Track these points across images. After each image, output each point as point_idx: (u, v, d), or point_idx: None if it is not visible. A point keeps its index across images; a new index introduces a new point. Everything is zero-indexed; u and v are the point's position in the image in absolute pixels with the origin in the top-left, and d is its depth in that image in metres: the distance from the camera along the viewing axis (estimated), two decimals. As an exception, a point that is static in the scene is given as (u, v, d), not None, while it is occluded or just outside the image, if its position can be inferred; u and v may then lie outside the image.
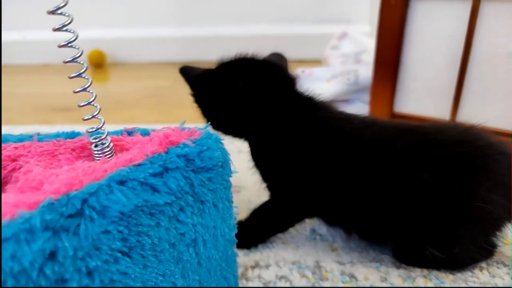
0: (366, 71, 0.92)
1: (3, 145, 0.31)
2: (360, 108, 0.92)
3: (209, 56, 2.13)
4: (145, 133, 0.34)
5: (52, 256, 0.21)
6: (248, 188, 0.65)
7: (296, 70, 1.04)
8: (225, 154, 0.34)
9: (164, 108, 1.21)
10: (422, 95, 0.80)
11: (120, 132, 0.35)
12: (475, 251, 0.45)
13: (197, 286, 0.34)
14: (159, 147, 0.30)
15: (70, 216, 0.23)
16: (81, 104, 0.30)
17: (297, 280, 0.45)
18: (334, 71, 0.97)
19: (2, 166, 0.30)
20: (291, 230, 0.54)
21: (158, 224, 0.28)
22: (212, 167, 0.32)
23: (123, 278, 0.26)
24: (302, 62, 1.99)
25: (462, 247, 0.44)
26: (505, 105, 0.72)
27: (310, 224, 0.55)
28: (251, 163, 0.51)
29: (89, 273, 0.23)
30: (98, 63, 2.10)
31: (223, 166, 0.34)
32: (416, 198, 0.42)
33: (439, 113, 0.79)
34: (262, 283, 0.44)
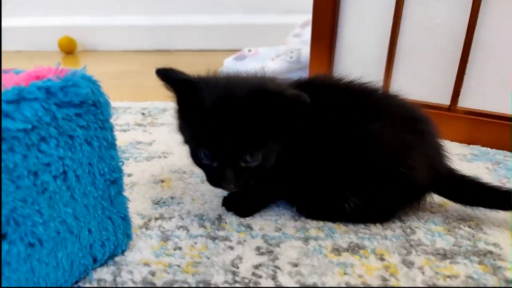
0: (308, 49, 0.94)
1: None
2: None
3: (176, 45, 2.14)
4: (18, 72, 0.36)
5: None
6: (174, 154, 0.67)
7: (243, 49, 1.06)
8: (99, 95, 0.36)
9: (127, 88, 1.22)
10: (357, 69, 0.82)
11: (-4, 72, 0.36)
12: (389, 209, 0.49)
13: (71, 219, 0.36)
14: (22, 81, 0.32)
15: None
16: None
17: (195, 229, 0.47)
18: (278, 51, 0.99)
19: None
20: (202, 187, 0.56)
21: (11, 149, 0.30)
22: (79, 103, 0.34)
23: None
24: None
25: (382, 201, 0.48)
26: (432, 77, 0.75)
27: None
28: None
29: None
30: (69, 49, 2.10)
31: (96, 105, 0.35)
32: (359, 153, 0.45)
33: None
34: (161, 232, 0.46)
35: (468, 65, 0.70)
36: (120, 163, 0.39)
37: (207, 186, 0.49)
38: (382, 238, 0.46)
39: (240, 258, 0.42)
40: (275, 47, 1.04)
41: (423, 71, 0.76)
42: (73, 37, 2.14)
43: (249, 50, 1.03)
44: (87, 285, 0.38)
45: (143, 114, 0.89)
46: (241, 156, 0.42)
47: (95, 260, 0.39)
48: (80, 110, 0.34)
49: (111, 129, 0.38)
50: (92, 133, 0.36)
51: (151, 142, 0.73)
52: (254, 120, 0.41)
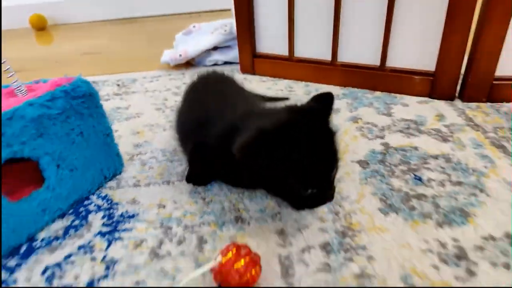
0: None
1: (-28, 96, 0.61)
2: (235, 52, 1.21)
3: (140, 12, 2.33)
4: (45, 81, 0.65)
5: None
6: (145, 114, 0.98)
7: (189, 26, 1.32)
8: (91, 89, 0.65)
9: (99, 62, 1.48)
10: (272, 42, 1.11)
11: (31, 82, 0.65)
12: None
13: (89, 156, 0.66)
14: (51, 87, 0.61)
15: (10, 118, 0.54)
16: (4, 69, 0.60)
17: (160, 158, 0.79)
18: (215, 25, 1.25)
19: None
20: (164, 134, 0.87)
21: (55, 123, 0.60)
22: (82, 95, 0.63)
23: (40, 148, 0.58)
24: (222, 11, 2.23)
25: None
26: (319, 41, 1.04)
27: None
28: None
29: (23, 143, 0.55)
30: (40, 26, 2.29)
31: (92, 95, 0.65)
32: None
33: (284, 51, 1.11)
34: (140, 161, 0.78)
35: (340, 28, 1.00)
36: (110, 124, 0.70)
37: (167, 133, 0.80)
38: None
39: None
40: (214, 22, 1.30)
41: (312, 37, 1.05)
42: (43, 14, 2.32)
43: (194, 26, 1.29)
44: (102, 190, 0.70)
45: (118, 85, 1.17)
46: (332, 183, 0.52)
47: (105, 177, 0.70)
48: (83, 99, 0.64)
49: (101, 106, 0.67)
50: (92, 110, 0.66)
51: (127, 107, 1.03)
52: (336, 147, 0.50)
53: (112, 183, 0.71)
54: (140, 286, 0.49)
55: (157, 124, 0.92)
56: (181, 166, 0.75)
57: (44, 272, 0.52)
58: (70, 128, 0.62)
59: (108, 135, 0.70)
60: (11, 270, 0.53)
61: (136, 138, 0.87)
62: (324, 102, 0.53)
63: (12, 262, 0.54)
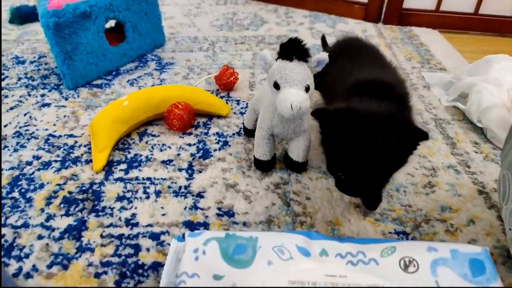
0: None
1: None
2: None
3: None
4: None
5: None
6: (176, 18, 1.45)
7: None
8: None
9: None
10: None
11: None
12: None
13: (147, 31, 1.15)
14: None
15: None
16: None
17: (187, 39, 1.27)
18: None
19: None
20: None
21: (134, 3, 1.08)
22: (147, -9, 1.11)
23: (126, 17, 1.06)
24: None
25: None
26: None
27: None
28: None
29: (119, 12, 1.04)
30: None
31: (152, -8, 1.12)
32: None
33: None
34: (175, 41, 1.26)
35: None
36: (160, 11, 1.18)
37: (191, 29, 1.28)
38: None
39: (203, 45, 1.24)
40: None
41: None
42: None
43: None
44: (153, 52, 1.19)
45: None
46: (367, 178, 0.51)
47: (155, 45, 1.20)
48: (148, -7, 1.11)
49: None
50: (153, 0, 1.13)
51: (164, 12, 1.50)
52: (386, 149, 0.48)
53: (158, 49, 1.20)
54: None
55: (184, 23, 1.39)
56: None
57: (128, 81, 1.03)
58: (141, 9, 1.10)
59: (159, 18, 1.17)
60: (110, 81, 1.03)
61: (171, 29, 1.35)
62: (413, 136, 0.49)
63: (109, 77, 1.04)
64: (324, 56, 0.60)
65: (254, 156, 0.71)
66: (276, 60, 0.61)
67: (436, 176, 0.71)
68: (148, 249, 0.56)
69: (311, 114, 0.52)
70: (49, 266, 0.54)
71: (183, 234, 0.48)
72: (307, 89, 0.59)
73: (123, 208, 0.63)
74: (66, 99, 0.94)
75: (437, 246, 0.46)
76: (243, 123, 0.81)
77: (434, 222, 0.62)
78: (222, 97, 0.95)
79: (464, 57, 1.16)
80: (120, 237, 0.58)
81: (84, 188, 0.67)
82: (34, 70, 1.07)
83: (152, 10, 1.13)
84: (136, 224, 0.61)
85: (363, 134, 0.48)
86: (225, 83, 0.95)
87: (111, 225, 0.60)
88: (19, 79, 1.02)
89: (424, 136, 0.48)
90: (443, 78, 1.00)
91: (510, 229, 0.52)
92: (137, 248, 0.57)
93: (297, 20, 1.45)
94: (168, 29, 1.34)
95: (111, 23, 1.12)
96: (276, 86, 0.60)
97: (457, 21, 1.32)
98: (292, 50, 0.60)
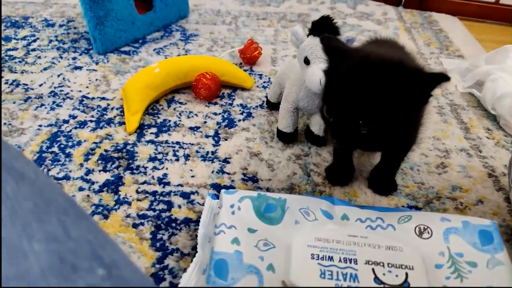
0: None
1: None
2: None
3: None
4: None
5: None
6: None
7: None
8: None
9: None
10: None
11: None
12: None
13: (174, 1, 1.17)
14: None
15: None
16: None
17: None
18: None
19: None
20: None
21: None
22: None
23: (155, -14, 1.09)
24: None
25: None
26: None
27: None
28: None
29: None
30: None
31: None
32: None
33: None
34: (199, 13, 1.28)
35: None
36: None
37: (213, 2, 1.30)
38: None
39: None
40: None
41: None
42: None
43: None
44: (178, 23, 1.21)
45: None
46: (355, 121, 0.43)
47: (180, 16, 1.22)
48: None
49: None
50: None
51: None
52: (379, 93, 0.42)
53: (183, 21, 1.23)
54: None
55: (207, -4, 1.42)
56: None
57: (154, 50, 1.06)
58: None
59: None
60: (137, 49, 1.07)
61: (195, 1, 1.37)
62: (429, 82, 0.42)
63: (137, 45, 1.08)
64: (353, 35, 0.63)
65: (277, 128, 0.75)
66: (308, 36, 0.64)
67: (449, 157, 0.75)
68: (179, 206, 0.61)
69: (319, 39, 0.50)
70: (91, 215, 0.59)
71: (218, 192, 0.53)
72: (336, 66, 0.62)
73: (155, 168, 0.68)
74: (97, 63, 0.97)
75: (450, 217, 0.51)
76: (266, 97, 0.85)
77: (445, 199, 0.66)
78: (245, 71, 0.98)
79: (482, 45, 1.18)
80: (154, 193, 0.63)
81: (118, 147, 0.72)
82: (64, 33, 1.11)
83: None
84: (168, 183, 0.65)
85: (360, 71, 0.43)
86: (249, 57, 0.98)
87: (145, 182, 0.65)
88: (50, 41, 1.06)
89: (439, 77, 0.41)
90: (461, 65, 1.03)
91: (516, 209, 0.56)
92: (169, 204, 0.61)
93: (318, -1, 1.46)
94: (192, 1, 1.36)
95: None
96: (306, 61, 0.63)
97: (478, 9, 1.33)
98: (323, 27, 0.63)
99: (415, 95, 0.43)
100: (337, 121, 0.45)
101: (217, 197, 0.55)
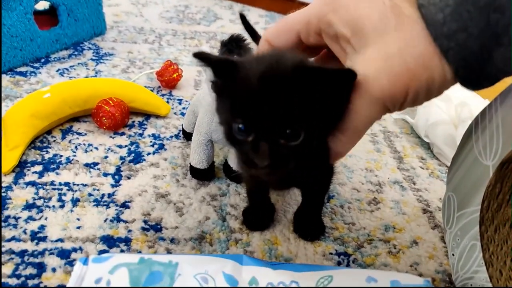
0: None
1: None
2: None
3: None
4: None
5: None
6: (122, 5, 1.34)
7: None
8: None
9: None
10: None
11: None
12: None
13: (85, 16, 1.04)
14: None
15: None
16: None
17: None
18: None
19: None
20: None
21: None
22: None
23: (9, 10, 0.96)
24: None
25: None
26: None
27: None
28: None
29: (50, -7, 0.93)
30: None
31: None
32: None
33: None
34: (118, 30, 1.16)
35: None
36: (101, -2, 1.07)
37: (138, 19, 1.18)
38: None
39: (148, 37, 1.15)
40: None
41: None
42: None
43: None
44: (91, 40, 1.08)
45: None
46: (281, 130, 0.35)
47: (94, 33, 1.09)
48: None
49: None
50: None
51: (109, -3, 1.38)
52: (296, 95, 0.34)
53: (98, 38, 1.10)
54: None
55: (130, 12, 1.29)
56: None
57: (58, 70, 0.92)
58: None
59: (99, 3, 1.07)
60: (37, 69, 0.92)
61: (115, 17, 1.24)
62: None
63: (37, 65, 0.93)
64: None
65: (190, 164, 0.64)
66: (218, 58, 0.55)
67: (381, 192, 0.68)
68: (54, 270, 0.48)
69: (192, 55, 0.37)
70: None
71: (110, 247, 0.41)
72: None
73: (30, 218, 0.54)
74: (-19, 86, 0.82)
75: (377, 275, 0.42)
76: (182, 126, 0.74)
77: (377, 242, 0.58)
78: (163, 95, 0.87)
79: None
80: (22, 254, 0.49)
81: (-15, 193, 0.57)
82: None
83: (92, -6, 1.03)
84: (44, 238, 0.52)
85: (271, 74, 0.35)
86: (167, 79, 0.88)
87: (13, 238, 0.51)
88: None
89: (346, 75, 0.34)
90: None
91: (453, 255, 0.49)
92: (41, 268, 0.48)
93: (252, 19, 1.38)
94: (111, 16, 1.23)
95: (45, 5, 1.00)
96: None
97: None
98: (234, 48, 0.54)
99: (335, 92, 0.35)
100: (259, 136, 0.35)
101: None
